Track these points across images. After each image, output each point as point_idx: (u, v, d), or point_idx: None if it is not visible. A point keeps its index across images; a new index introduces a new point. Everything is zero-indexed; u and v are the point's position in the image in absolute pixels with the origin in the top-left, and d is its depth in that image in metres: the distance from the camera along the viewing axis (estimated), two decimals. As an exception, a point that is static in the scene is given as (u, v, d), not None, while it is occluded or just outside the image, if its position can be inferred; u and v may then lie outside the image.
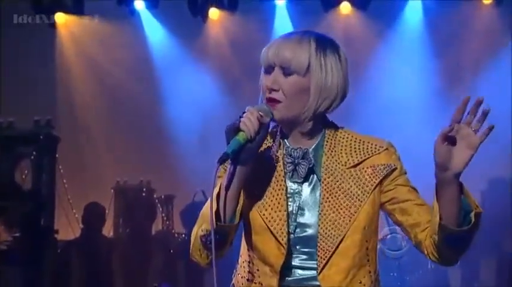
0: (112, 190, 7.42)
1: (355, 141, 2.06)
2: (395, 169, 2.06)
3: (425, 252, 2.05)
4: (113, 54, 8.04)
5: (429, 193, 2.10)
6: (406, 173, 2.10)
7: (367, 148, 2.04)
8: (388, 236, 5.76)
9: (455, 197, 1.94)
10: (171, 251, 6.90)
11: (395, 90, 7.84)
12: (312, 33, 2.04)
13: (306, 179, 2.04)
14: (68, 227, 7.16)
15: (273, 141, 2.07)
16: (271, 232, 1.99)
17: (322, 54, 2.00)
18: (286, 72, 2.00)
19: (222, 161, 1.91)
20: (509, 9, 7.75)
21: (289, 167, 2.04)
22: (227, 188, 1.96)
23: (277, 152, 2.06)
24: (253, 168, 1.98)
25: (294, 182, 2.04)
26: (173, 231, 7.39)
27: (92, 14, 7.90)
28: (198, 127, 7.80)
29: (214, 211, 1.93)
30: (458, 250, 2.00)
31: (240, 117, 1.96)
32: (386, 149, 2.08)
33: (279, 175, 2.03)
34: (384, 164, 2.04)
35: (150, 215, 7.24)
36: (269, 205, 2.01)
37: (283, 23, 8.03)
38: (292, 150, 2.05)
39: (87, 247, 6.88)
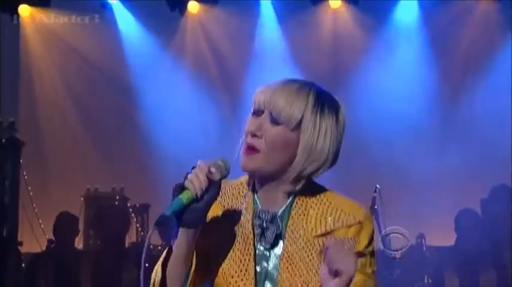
0: (82, 198, 7.35)
1: (328, 207, 1.99)
2: (360, 251, 1.97)
3: None
4: (82, 51, 7.94)
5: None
6: (370, 254, 1.99)
7: (339, 217, 1.97)
8: (389, 236, 5.83)
9: None
10: (147, 265, 6.82)
11: (387, 90, 7.81)
12: (313, 86, 1.97)
13: (274, 245, 1.98)
14: (32, 239, 7.07)
15: (244, 196, 2.01)
16: None
17: (319, 112, 1.94)
18: (275, 120, 1.93)
19: (158, 223, 1.84)
20: (509, 4, 7.76)
21: (257, 229, 1.98)
22: (172, 253, 1.90)
23: (246, 210, 1.99)
24: (218, 226, 1.94)
25: (262, 246, 1.98)
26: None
27: (59, 7, 7.77)
28: (175, 129, 7.75)
29: (159, 279, 1.90)
30: None
31: (188, 173, 1.87)
32: (359, 222, 1.98)
33: (247, 238, 1.97)
34: (350, 238, 1.96)
35: (124, 226, 7.18)
36: (235, 271, 1.95)
37: (268, 17, 8.02)
38: (261, 212, 1.98)
39: (55, 261, 6.79)
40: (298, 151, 1.93)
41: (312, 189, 2.00)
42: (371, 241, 1.99)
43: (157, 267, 1.94)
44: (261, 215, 1.97)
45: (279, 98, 1.92)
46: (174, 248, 1.90)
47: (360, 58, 7.98)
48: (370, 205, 6.05)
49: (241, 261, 1.96)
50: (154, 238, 7.28)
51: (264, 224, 1.97)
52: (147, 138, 7.92)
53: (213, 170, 1.86)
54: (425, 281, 6.32)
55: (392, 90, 7.82)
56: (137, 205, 7.40)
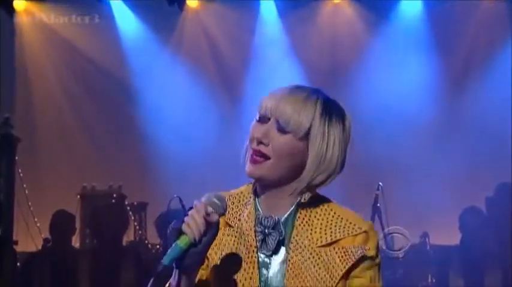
0: (78, 196, 7.33)
1: (332, 217, 1.99)
2: (369, 257, 1.98)
3: None
4: (78, 46, 7.91)
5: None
6: (378, 264, 2.01)
7: (344, 227, 1.97)
8: (391, 236, 5.84)
9: None
10: (144, 264, 6.80)
11: (388, 88, 7.79)
12: (320, 94, 1.97)
13: (275, 252, 1.98)
14: (28, 238, 7.05)
15: (245, 204, 2.01)
16: None
17: (327, 122, 1.95)
18: (282, 129, 1.93)
19: (158, 274, 1.80)
20: (511, 4, 7.77)
21: (259, 236, 1.98)
22: None
23: (248, 217, 1.99)
24: (220, 239, 1.95)
25: (263, 253, 1.98)
26: (146, 241, 7.31)
27: (55, 1, 7.75)
28: (173, 126, 7.72)
29: None
30: None
31: (185, 215, 1.83)
32: (365, 231, 1.99)
33: (250, 246, 1.97)
34: (357, 247, 1.96)
35: (121, 224, 7.13)
36: (240, 281, 1.95)
37: (268, 12, 8.00)
38: (263, 218, 1.98)
39: (51, 260, 6.76)
40: (308, 161, 1.93)
41: (315, 199, 2.00)
42: (378, 252, 1.98)
43: None
44: (263, 221, 1.97)
45: (287, 106, 1.92)
46: None
47: (360, 55, 7.99)
48: (373, 203, 6.03)
49: (245, 270, 1.95)
50: (152, 236, 7.26)
51: (266, 230, 1.96)
52: (145, 135, 7.91)
53: (210, 210, 1.83)
54: (429, 280, 6.34)
55: (394, 88, 7.83)
56: (135, 203, 7.39)
